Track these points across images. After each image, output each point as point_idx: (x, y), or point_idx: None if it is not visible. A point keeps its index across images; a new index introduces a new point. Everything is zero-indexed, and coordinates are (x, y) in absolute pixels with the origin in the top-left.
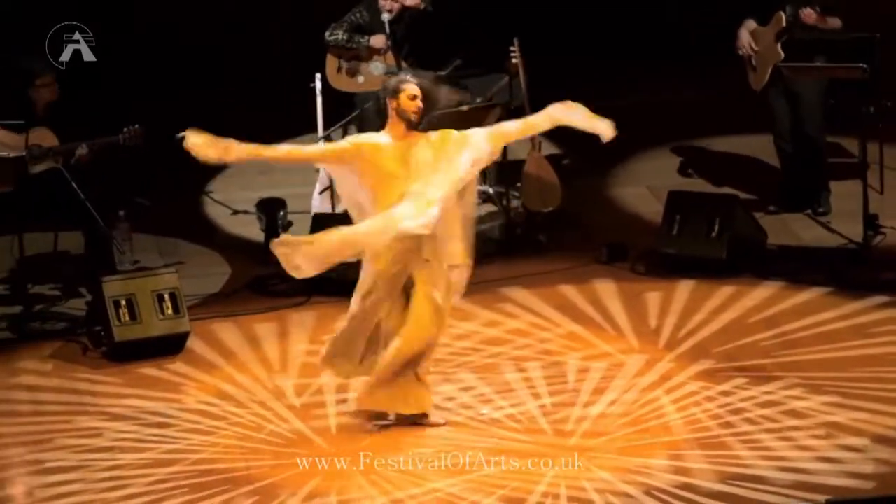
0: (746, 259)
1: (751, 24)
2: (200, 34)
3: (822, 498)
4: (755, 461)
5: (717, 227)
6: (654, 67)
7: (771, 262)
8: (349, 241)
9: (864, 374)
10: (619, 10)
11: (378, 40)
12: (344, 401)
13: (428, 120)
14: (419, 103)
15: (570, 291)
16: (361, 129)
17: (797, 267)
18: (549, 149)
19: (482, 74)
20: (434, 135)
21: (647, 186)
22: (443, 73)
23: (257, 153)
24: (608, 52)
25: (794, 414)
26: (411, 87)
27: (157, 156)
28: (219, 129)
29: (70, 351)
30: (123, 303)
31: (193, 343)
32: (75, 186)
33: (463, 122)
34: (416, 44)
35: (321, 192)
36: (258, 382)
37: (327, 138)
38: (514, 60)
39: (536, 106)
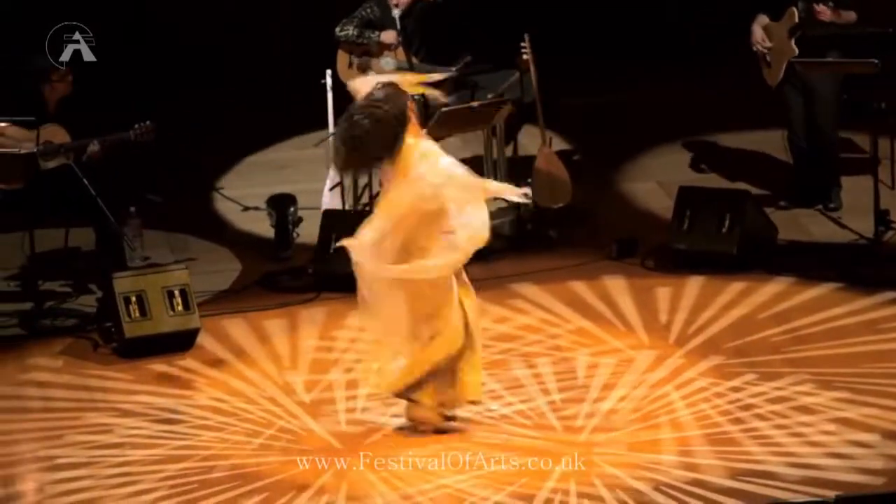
0: (757, 255)
1: (763, 19)
2: (200, 34)
3: (832, 494)
4: (765, 457)
5: (727, 223)
6: (654, 67)
7: (781, 258)
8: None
9: (874, 370)
10: (619, 10)
11: (389, 36)
12: (354, 397)
13: (438, 117)
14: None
15: (580, 287)
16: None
17: (808, 262)
18: (559, 144)
19: (493, 71)
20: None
21: (657, 182)
22: (453, 70)
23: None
24: (608, 52)
25: (804, 410)
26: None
27: (167, 152)
28: (219, 129)
29: (80, 347)
30: (134, 299)
31: (203, 339)
32: (86, 183)
33: (473, 119)
34: (426, 39)
35: (331, 189)
36: (268, 378)
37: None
38: (524, 56)
39: (546, 102)
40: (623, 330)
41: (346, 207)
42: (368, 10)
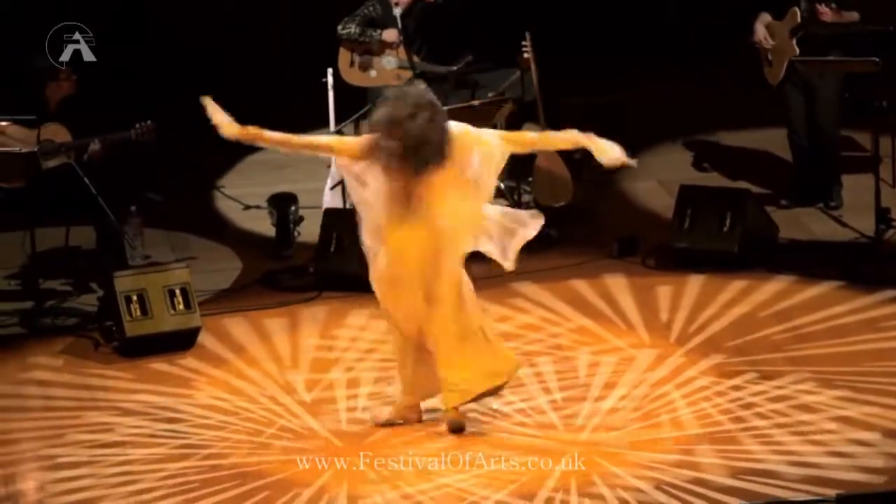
0: (758, 253)
1: (766, 17)
2: (200, 34)
3: (832, 492)
4: (766, 456)
5: (728, 222)
6: (654, 67)
7: (782, 257)
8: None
9: (875, 369)
10: (619, 10)
11: (390, 34)
12: (355, 396)
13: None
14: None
15: (580, 286)
16: None
17: (809, 261)
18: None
19: (493, 69)
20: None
21: (658, 181)
22: (454, 68)
23: (274, 139)
24: (608, 52)
25: (804, 408)
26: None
27: (167, 152)
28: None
29: (81, 346)
30: (135, 298)
31: (204, 338)
32: (87, 182)
33: (474, 117)
34: (427, 38)
35: (332, 188)
36: (269, 377)
37: (339, 133)
38: (525, 55)
39: (547, 101)
40: (624, 329)
41: (347, 206)
42: (370, 9)
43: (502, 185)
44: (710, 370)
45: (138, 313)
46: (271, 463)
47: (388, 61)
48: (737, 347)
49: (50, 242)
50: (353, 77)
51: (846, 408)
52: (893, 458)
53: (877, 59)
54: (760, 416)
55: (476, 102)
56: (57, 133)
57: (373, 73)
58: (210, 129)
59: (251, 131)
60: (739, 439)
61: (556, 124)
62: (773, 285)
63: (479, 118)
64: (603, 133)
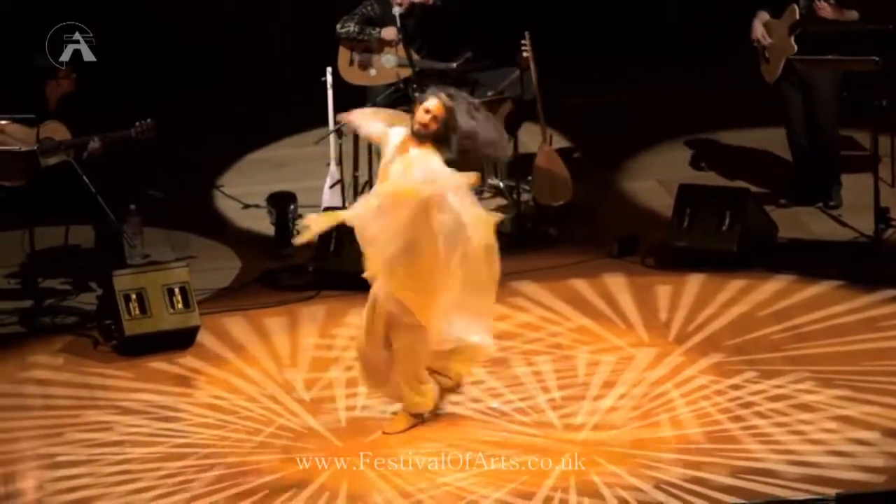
0: (757, 252)
1: (764, 15)
2: (200, 34)
3: (832, 492)
4: (765, 455)
5: (727, 221)
6: (654, 67)
7: (782, 256)
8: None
9: (874, 368)
10: (618, 10)
11: (389, 32)
12: (354, 395)
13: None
14: (427, 119)
15: (580, 285)
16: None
17: (808, 260)
18: (559, 142)
19: (493, 68)
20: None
21: (657, 180)
22: (453, 66)
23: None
24: (608, 52)
25: (804, 407)
26: (431, 102)
27: (167, 151)
28: (218, 129)
29: (80, 345)
30: (134, 297)
31: (203, 337)
32: (87, 180)
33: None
34: (427, 37)
35: (331, 187)
36: (268, 376)
37: (338, 132)
38: (525, 54)
39: (547, 100)
40: (623, 328)
41: (347, 205)
42: (369, 7)
43: (501, 185)
44: (709, 369)
45: (137, 312)
46: (270, 462)
47: (388, 59)
48: (736, 346)
49: (49, 241)
50: (353, 76)
51: (846, 407)
52: (893, 457)
53: (876, 58)
54: (760, 415)
55: (476, 101)
56: (56, 131)
57: (372, 71)
58: (209, 128)
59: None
60: (739, 438)
61: (555, 122)
62: (773, 284)
63: None
64: (603, 133)
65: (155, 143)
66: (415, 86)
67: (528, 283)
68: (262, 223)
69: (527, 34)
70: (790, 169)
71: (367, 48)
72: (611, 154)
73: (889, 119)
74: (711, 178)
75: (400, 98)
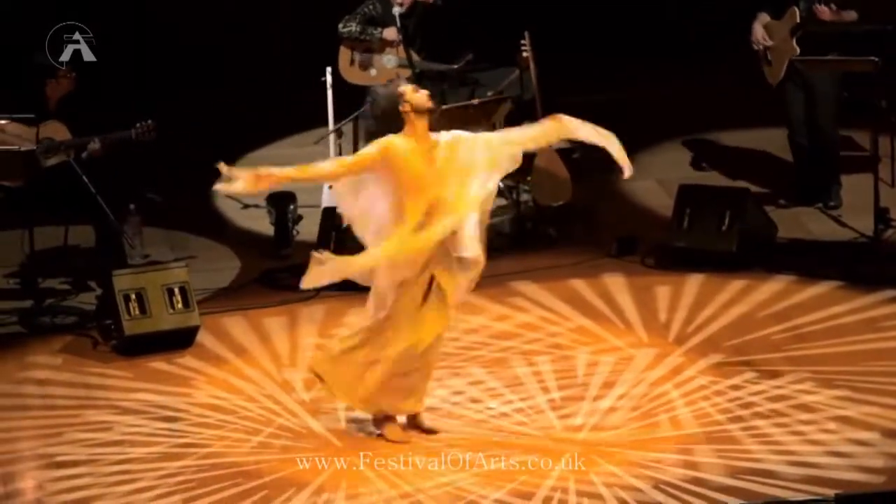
0: (757, 253)
1: (764, 17)
2: (200, 34)
3: (831, 492)
4: (765, 455)
5: (727, 221)
6: (653, 64)
7: (781, 256)
8: (388, 262)
9: (874, 368)
10: (618, 7)
11: (391, 32)
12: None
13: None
14: (424, 98)
15: (579, 285)
16: (375, 124)
17: (808, 261)
18: (559, 142)
19: (493, 68)
20: (445, 136)
21: (657, 180)
22: (454, 67)
23: (287, 177)
24: (607, 49)
25: (804, 408)
26: (407, 88)
27: (167, 151)
28: (219, 128)
29: (80, 345)
30: (133, 297)
31: (203, 337)
32: (86, 180)
33: (473, 115)
34: (427, 37)
35: (331, 186)
36: (267, 376)
37: (338, 132)
38: (524, 54)
39: (546, 100)
40: (623, 328)
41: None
42: (370, 7)
43: (501, 185)
44: (708, 370)
45: (137, 312)
46: (270, 462)
47: (389, 59)
48: (735, 347)
49: (49, 241)
50: (353, 75)
51: (845, 407)
52: (892, 457)
53: (876, 59)
54: (759, 415)
55: (475, 101)
56: (56, 131)
57: (373, 71)
58: (209, 128)
59: (262, 175)
60: (738, 439)
61: None
62: (772, 285)
63: (478, 116)
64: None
65: (155, 144)
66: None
67: (527, 284)
68: (261, 223)
69: (526, 34)
70: (790, 169)
71: (368, 48)
72: (610, 154)
73: (889, 119)
74: (711, 179)
75: None
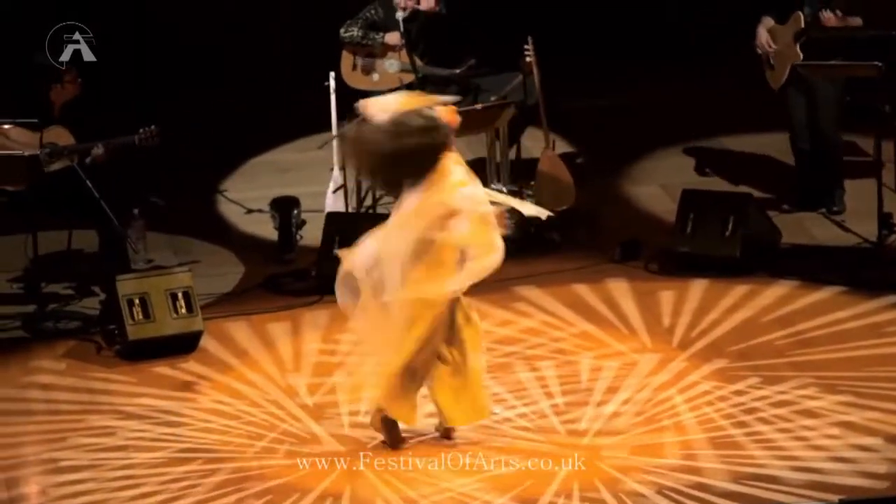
0: (760, 258)
1: (768, 21)
2: (200, 34)
3: (835, 498)
4: (768, 461)
5: (730, 226)
6: (654, 67)
7: (785, 261)
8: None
9: (878, 374)
10: (618, 10)
11: (393, 37)
12: (357, 400)
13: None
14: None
15: (583, 290)
16: None
17: (811, 266)
18: (562, 147)
19: (496, 73)
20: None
21: (660, 185)
22: (457, 72)
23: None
24: (608, 52)
25: (807, 413)
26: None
27: (169, 154)
28: (222, 130)
29: (84, 350)
30: (137, 301)
31: (207, 342)
32: (90, 185)
33: (477, 121)
34: (430, 42)
35: (335, 191)
36: (271, 381)
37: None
38: (528, 59)
39: (549, 105)
40: (626, 333)
41: (350, 210)
42: (372, 12)
43: (504, 189)
44: (712, 375)
45: (140, 317)
46: (273, 467)
47: (391, 64)
48: (739, 352)
49: (52, 246)
50: (356, 80)
51: (849, 413)
52: None
53: (879, 64)
54: (763, 420)
55: (479, 106)
56: (60, 136)
57: (375, 76)
58: (209, 129)
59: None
60: (742, 444)
61: (558, 127)
62: (776, 290)
63: (482, 122)
64: (606, 138)
65: (157, 147)
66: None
67: (530, 288)
68: (265, 228)
69: (530, 39)
70: (793, 174)
71: (371, 53)
72: (614, 159)
73: (892, 124)
74: (714, 184)
75: None
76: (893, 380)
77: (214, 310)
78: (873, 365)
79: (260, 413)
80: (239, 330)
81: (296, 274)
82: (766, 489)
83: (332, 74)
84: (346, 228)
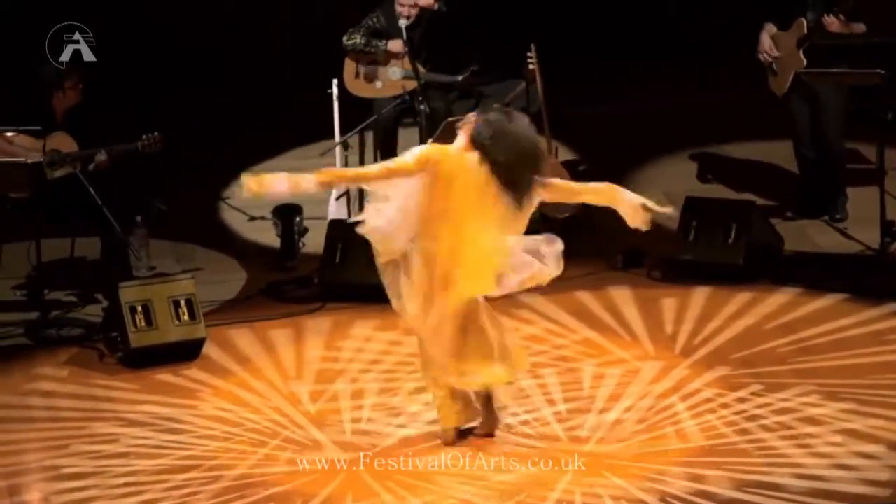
0: (763, 265)
1: (771, 28)
2: (200, 34)
3: None
4: (771, 468)
5: (733, 234)
6: (654, 68)
7: (787, 269)
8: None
9: (880, 381)
10: (618, 11)
11: (396, 45)
12: (360, 407)
13: (444, 127)
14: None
15: (586, 298)
16: (380, 135)
17: (814, 273)
18: (565, 155)
19: (499, 80)
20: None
21: (663, 192)
22: (459, 78)
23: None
24: (608, 53)
25: (810, 421)
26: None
27: (171, 157)
28: (219, 128)
29: (86, 357)
30: (140, 308)
31: (209, 349)
32: (93, 192)
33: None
34: (432, 49)
35: (337, 199)
36: (273, 388)
37: (344, 144)
38: (531, 66)
39: (553, 113)
40: (629, 340)
41: (352, 217)
42: (374, 20)
43: None
44: (714, 382)
45: (143, 324)
46: (276, 474)
47: (394, 72)
48: (742, 360)
49: (55, 253)
50: (359, 88)
51: (851, 420)
52: None
53: (882, 72)
54: (765, 428)
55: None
56: (63, 143)
57: (378, 83)
58: (209, 129)
59: (325, 178)
60: (744, 451)
61: (561, 135)
62: (778, 297)
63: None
64: (608, 145)
65: (161, 155)
66: (420, 98)
67: (533, 296)
68: (268, 235)
69: (533, 47)
70: (796, 181)
71: (374, 60)
72: (616, 166)
73: (894, 132)
74: (717, 191)
75: (405, 110)
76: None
77: (217, 317)
78: (876, 372)
79: (262, 420)
80: (241, 337)
81: (298, 281)
82: (769, 497)
83: (334, 82)
84: (349, 236)
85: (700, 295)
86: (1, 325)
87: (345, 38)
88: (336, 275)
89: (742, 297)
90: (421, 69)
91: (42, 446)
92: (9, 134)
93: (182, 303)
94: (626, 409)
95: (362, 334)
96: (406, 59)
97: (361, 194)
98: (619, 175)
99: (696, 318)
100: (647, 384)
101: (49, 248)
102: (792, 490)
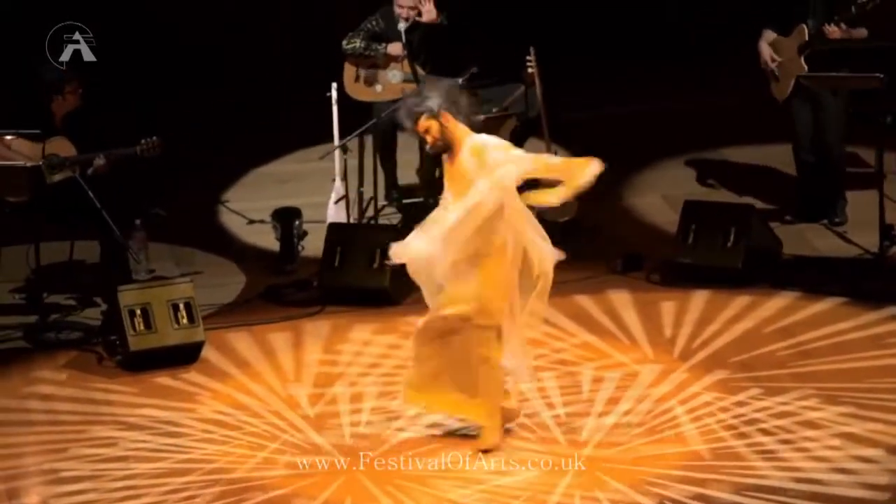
0: (762, 269)
1: (770, 35)
2: (200, 34)
3: None
4: (770, 472)
5: (732, 237)
6: (653, 68)
7: (786, 272)
8: None
9: (879, 385)
10: (618, 11)
11: (395, 48)
12: (358, 411)
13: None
14: (430, 139)
15: (585, 301)
16: (379, 139)
17: (813, 277)
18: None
19: (498, 83)
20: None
21: (662, 196)
22: (458, 81)
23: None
24: (608, 53)
25: (809, 424)
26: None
27: (170, 159)
28: (219, 129)
29: (85, 360)
30: (138, 312)
31: (208, 352)
32: (92, 196)
33: (478, 132)
34: (432, 52)
35: (336, 202)
36: (272, 392)
37: (343, 148)
38: (530, 70)
39: (552, 117)
40: (628, 344)
41: (351, 220)
42: (374, 23)
43: None
44: (713, 386)
45: (142, 327)
46: (274, 478)
47: (394, 75)
48: (741, 363)
49: (54, 256)
50: (359, 92)
51: (850, 424)
52: None
53: (881, 75)
54: (764, 431)
55: (480, 117)
56: (62, 147)
57: (378, 87)
58: (209, 130)
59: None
60: (743, 455)
61: (560, 138)
62: (777, 301)
63: (483, 133)
64: (608, 148)
65: (160, 159)
66: None
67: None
68: (267, 238)
69: (532, 50)
70: (795, 185)
71: (373, 64)
72: (615, 170)
73: (894, 136)
74: (716, 195)
75: None
76: (895, 391)
77: (216, 320)
78: (874, 376)
79: (261, 424)
80: (240, 340)
81: (297, 284)
82: (768, 500)
83: (333, 85)
84: (348, 239)
85: (699, 298)
86: (0, 328)
87: (344, 43)
88: (335, 278)
89: (741, 300)
90: (420, 72)
91: (41, 450)
92: (7, 138)
93: (181, 306)
94: (625, 412)
95: (361, 338)
96: (405, 62)
97: (360, 198)
98: (618, 179)
99: (696, 321)
100: (646, 388)
101: (48, 252)
102: (791, 494)
